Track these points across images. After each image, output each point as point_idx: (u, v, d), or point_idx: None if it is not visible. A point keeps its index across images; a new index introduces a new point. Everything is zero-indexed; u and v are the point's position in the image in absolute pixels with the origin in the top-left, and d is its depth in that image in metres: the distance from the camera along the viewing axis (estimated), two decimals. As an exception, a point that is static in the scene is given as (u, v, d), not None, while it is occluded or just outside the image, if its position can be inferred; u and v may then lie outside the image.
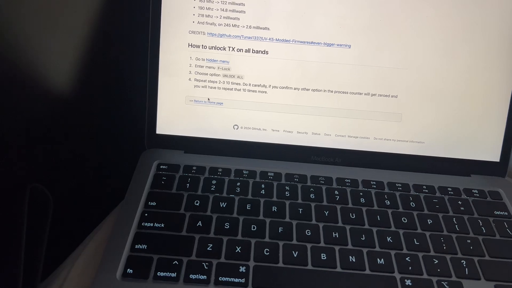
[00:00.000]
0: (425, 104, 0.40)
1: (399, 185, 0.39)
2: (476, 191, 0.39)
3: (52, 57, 0.35)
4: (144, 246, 0.32)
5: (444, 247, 0.34)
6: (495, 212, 0.38)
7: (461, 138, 0.41)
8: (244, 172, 0.39)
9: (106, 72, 0.40)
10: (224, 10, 0.38)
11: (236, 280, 0.31)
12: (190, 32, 0.39)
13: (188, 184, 0.37)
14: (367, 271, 0.32)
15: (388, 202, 0.37)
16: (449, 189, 0.39)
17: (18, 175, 0.34)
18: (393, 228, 0.35)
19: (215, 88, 0.40)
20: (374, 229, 0.35)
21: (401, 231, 0.35)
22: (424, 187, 0.39)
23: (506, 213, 0.38)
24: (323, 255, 0.33)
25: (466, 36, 0.39)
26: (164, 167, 0.39)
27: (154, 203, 0.35)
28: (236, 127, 0.41)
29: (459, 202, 0.38)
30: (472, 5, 0.38)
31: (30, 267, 0.31)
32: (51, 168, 0.37)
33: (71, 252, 0.35)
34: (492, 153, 0.41)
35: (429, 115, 0.40)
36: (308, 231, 0.34)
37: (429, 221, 0.36)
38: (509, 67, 0.39)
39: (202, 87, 0.40)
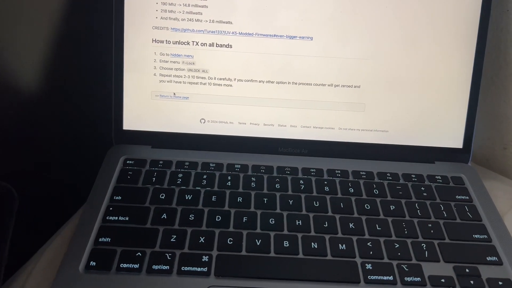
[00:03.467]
0: (388, 94, 0.41)
1: (363, 173, 0.40)
2: (439, 177, 0.40)
3: (12, 53, 0.35)
4: (108, 239, 0.32)
5: (406, 232, 0.35)
6: (457, 197, 0.38)
7: (424, 126, 0.42)
8: (211, 165, 0.39)
9: (70, 69, 0.40)
10: (187, 5, 0.39)
11: (199, 269, 0.31)
12: (153, 27, 0.39)
13: (154, 178, 0.37)
14: (329, 257, 0.33)
15: (352, 189, 0.38)
16: (413, 176, 0.40)
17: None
18: (355, 215, 0.36)
19: (180, 82, 0.40)
20: (337, 216, 0.36)
21: (363, 218, 0.36)
22: (388, 174, 0.40)
23: (467, 197, 0.38)
24: (286, 242, 0.33)
25: (427, 26, 0.40)
26: (130, 162, 0.39)
27: (120, 197, 0.36)
28: (203, 121, 0.41)
29: (422, 188, 0.39)
30: (430, -5, 0.39)
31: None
32: (15, 166, 0.37)
33: (38, 249, 0.35)
34: (455, 139, 0.42)
35: (392, 104, 0.41)
36: (272, 220, 0.35)
37: (392, 207, 0.37)
38: (468, 56, 0.40)
39: (168, 82, 0.40)
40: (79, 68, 0.41)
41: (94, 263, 0.31)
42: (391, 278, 0.32)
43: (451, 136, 0.42)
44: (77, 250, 0.32)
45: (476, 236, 0.35)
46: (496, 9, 0.41)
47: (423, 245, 0.34)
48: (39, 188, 0.38)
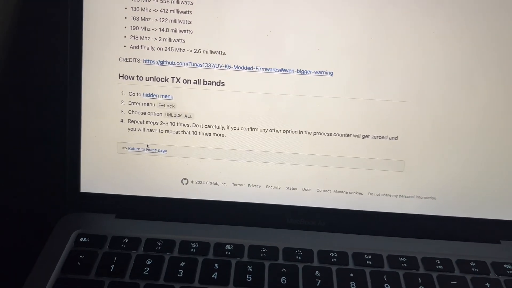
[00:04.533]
0: (435, 148, 0.30)
1: (404, 259, 0.29)
2: (510, 266, 0.29)
3: None
4: None
5: None
6: (539, 299, 0.27)
7: (485, 192, 0.31)
8: (193, 245, 0.29)
9: (12, 115, 0.31)
10: (165, 29, 0.29)
11: None
12: (121, 59, 0.29)
13: (113, 266, 0.27)
14: None
15: (389, 286, 0.27)
16: (472, 263, 0.29)
17: None
18: (396, 328, 0.25)
19: (156, 131, 0.30)
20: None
21: (407, 332, 0.25)
22: (438, 261, 0.29)
23: (553, 299, 0.27)
24: None
25: (488, 57, 0.29)
26: (84, 239, 0.29)
27: (61, 295, 0.25)
28: (185, 181, 0.31)
29: (487, 284, 0.28)
30: (496, 19, 0.29)
31: None
32: None
33: None
34: (527, 211, 0.31)
35: (441, 161, 0.30)
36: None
37: (447, 315, 0.26)
38: (545, 97, 0.29)
39: (139, 130, 0.30)
40: (23, 113, 0.31)
41: None
42: None
43: (522, 205, 0.31)
44: None
45: None
46: None
47: None
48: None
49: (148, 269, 0.27)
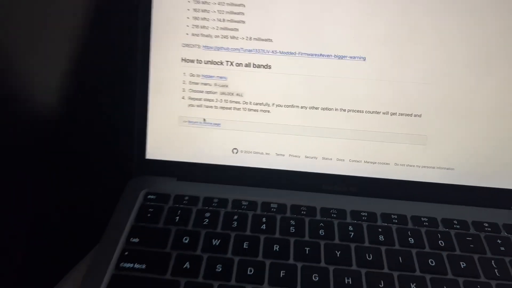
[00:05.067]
0: (455, 124, 0.34)
1: (425, 219, 0.33)
2: (519, 228, 0.33)
3: (34, 76, 0.31)
4: (120, 290, 0.27)
5: (481, 297, 0.28)
6: (543, 254, 0.31)
7: (499, 163, 0.35)
8: (243, 203, 0.34)
9: (87, 89, 0.36)
10: (221, 20, 0.34)
11: (226, 337, 0.25)
12: (183, 45, 0.35)
13: (177, 217, 0.32)
14: (387, 329, 0.26)
15: (412, 240, 0.32)
16: (486, 224, 0.33)
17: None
18: (418, 273, 0.29)
19: (211, 107, 0.35)
20: (395, 274, 0.29)
21: (428, 276, 0.29)
22: (455, 222, 0.33)
23: (557, 256, 0.31)
24: (332, 306, 0.27)
25: (504, 44, 0.33)
26: (152, 197, 0.34)
27: (137, 240, 0.31)
28: (235, 151, 0.36)
29: (499, 241, 0.32)
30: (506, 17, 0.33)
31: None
32: (27, 199, 0.32)
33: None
34: (536, 181, 0.35)
35: (460, 137, 0.34)
36: (315, 276, 0.29)
37: (462, 265, 0.30)
38: (554, 80, 0.33)
39: (197, 106, 0.35)
40: (96, 88, 0.37)
41: (102, 322, 0.26)
42: None
43: (532, 176, 0.35)
44: (84, 304, 0.27)
45: None
46: None
47: (507, 318, 0.27)
48: (50, 226, 0.34)
49: (207, 220, 0.32)
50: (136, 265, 0.29)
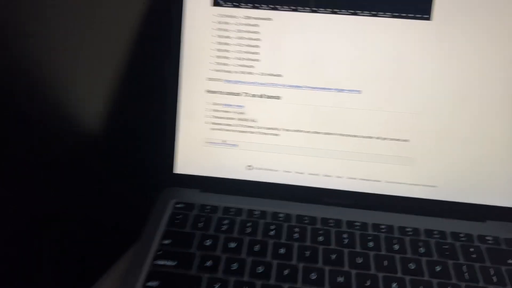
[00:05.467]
0: (438, 148, 0.40)
1: (409, 229, 0.39)
2: (490, 238, 0.39)
3: (82, 99, 0.39)
4: (156, 283, 0.34)
5: (451, 297, 0.34)
6: (509, 261, 0.37)
7: (475, 183, 0.40)
8: (256, 212, 0.40)
9: (129, 115, 0.43)
10: (240, 58, 0.41)
11: (239, 321, 0.32)
12: (207, 79, 0.41)
13: (201, 223, 0.39)
14: (370, 319, 0.33)
15: (397, 246, 0.38)
16: (461, 235, 0.39)
17: (42, 205, 0.37)
18: (399, 274, 0.35)
19: (230, 130, 0.42)
20: (380, 275, 0.35)
21: (407, 278, 0.35)
22: (435, 232, 0.39)
23: (521, 263, 0.37)
24: (326, 300, 0.33)
25: (479, 81, 0.39)
26: (180, 205, 0.41)
27: (169, 241, 0.38)
28: (249, 167, 0.42)
29: (471, 249, 0.38)
30: (485, 50, 0.38)
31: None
32: (72, 205, 0.40)
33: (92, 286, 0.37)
34: (508, 198, 0.40)
35: (442, 159, 0.40)
36: (313, 275, 0.35)
37: (437, 268, 0.36)
38: (524, 112, 0.39)
39: (218, 129, 0.42)
40: (136, 114, 0.44)
41: (142, 308, 0.33)
42: None
43: (505, 194, 0.40)
44: (127, 293, 0.34)
45: (528, 306, 0.34)
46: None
47: (470, 313, 0.33)
48: (92, 230, 0.41)
49: (225, 227, 0.39)
50: (168, 262, 0.36)
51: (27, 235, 0.36)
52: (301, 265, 0.36)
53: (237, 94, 0.41)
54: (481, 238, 0.39)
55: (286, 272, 0.35)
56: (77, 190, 0.40)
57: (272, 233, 0.38)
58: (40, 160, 0.36)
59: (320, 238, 0.38)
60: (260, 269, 0.35)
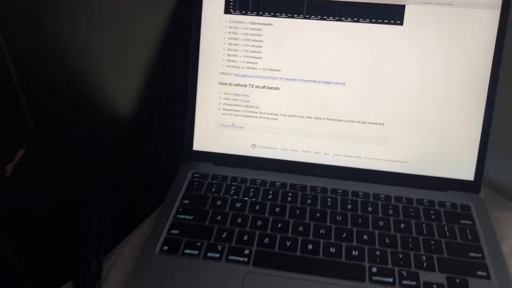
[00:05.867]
0: (408, 131, 0.49)
1: (382, 196, 0.48)
2: (449, 204, 0.47)
3: (118, 89, 0.49)
4: (177, 231, 0.44)
5: (410, 246, 0.43)
6: (462, 221, 0.45)
7: (439, 159, 0.49)
8: (257, 181, 0.50)
9: (157, 102, 0.53)
10: (246, 56, 0.50)
11: (241, 259, 0.41)
12: (220, 73, 0.51)
13: (213, 189, 0.49)
14: (343, 260, 0.42)
15: (370, 209, 0.47)
16: (425, 201, 0.47)
17: (93, 177, 0.47)
18: (370, 229, 0.44)
19: (238, 115, 0.51)
20: (355, 229, 0.44)
21: (376, 232, 0.44)
22: (404, 198, 0.48)
23: (471, 222, 0.45)
24: (310, 245, 0.43)
25: (442, 75, 0.47)
26: (197, 175, 0.51)
27: (187, 201, 0.47)
28: (253, 146, 0.52)
29: (432, 212, 0.46)
30: (444, 50, 0.47)
31: (98, 246, 0.44)
32: (115, 175, 0.50)
33: (126, 236, 0.47)
34: (467, 172, 0.49)
35: (412, 139, 0.49)
36: (301, 228, 0.44)
37: (402, 225, 0.45)
38: (480, 100, 0.47)
39: (228, 114, 0.52)
40: (164, 101, 0.54)
41: (166, 248, 0.42)
42: (391, 280, 0.40)
43: (464, 169, 0.49)
44: (155, 238, 0.43)
45: (471, 254, 0.42)
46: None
47: (423, 257, 0.42)
48: (130, 194, 0.51)
49: (232, 191, 0.48)
50: (187, 217, 0.46)
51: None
52: (292, 221, 0.45)
53: (244, 86, 0.51)
54: (441, 204, 0.47)
55: (280, 225, 0.45)
56: (120, 161, 0.50)
57: (270, 196, 0.48)
58: (91, 138, 0.46)
59: (308, 201, 0.47)
60: (259, 222, 0.45)
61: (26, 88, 0.37)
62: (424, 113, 0.48)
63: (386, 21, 0.48)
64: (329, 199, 0.48)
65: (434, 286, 0.39)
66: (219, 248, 0.42)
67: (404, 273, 0.40)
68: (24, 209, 0.40)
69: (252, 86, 0.51)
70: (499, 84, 0.47)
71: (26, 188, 0.40)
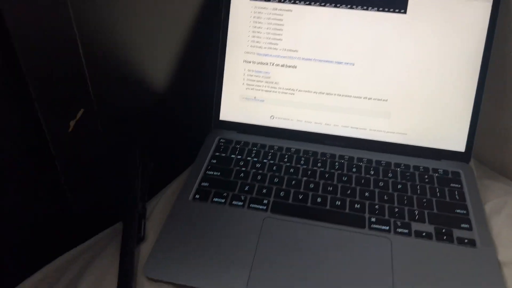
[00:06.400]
0: (409, 106, 0.56)
1: (384, 162, 0.55)
2: (441, 170, 0.54)
3: (151, 62, 0.56)
4: (207, 184, 0.52)
5: (405, 203, 0.50)
6: (451, 185, 0.52)
7: (435, 132, 0.56)
8: (275, 147, 0.57)
9: (190, 77, 0.61)
10: (268, 38, 0.58)
11: (261, 207, 0.49)
12: (245, 52, 0.59)
13: (237, 152, 0.57)
14: (347, 211, 0.49)
15: (372, 172, 0.54)
16: (421, 167, 0.55)
17: (133, 140, 0.55)
18: (371, 188, 0.52)
19: (259, 90, 0.59)
20: (358, 188, 0.52)
21: (376, 190, 0.51)
22: (402, 165, 0.55)
23: (459, 186, 0.52)
24: (319, 199, 0.50)
25: (440, 58, 0.54)
26: (223, 140, 0.58)
27: (215, 161, 0.55)
28: (272, 117, 0.59)
29: (426, 176, 0.53)
30: (442, 36, 0.54)
31: (143, 191, 0.52)
32: (156, 139, 0.58)
33: (165, 186, 0.56)
34: (459, 144, 0.56)
35: (411, 114, 0.56)
36: (312, 185, 0.52)
37: (399, 186, 0.52)
38: (472, 81, 0.54)
39: (251, 89, 0.59)
40: (195, 77, 0.62)
41: (198, 196, 0.51)
42: (387, 228, 0.47)
43: (456, 141, 0.56)
44: (188, 189, 0.51)
45: (457, 211, 0.49)
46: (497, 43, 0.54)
47: (416, 212, 0.49)
48: (166, 156, 0.59)
49: (253, 154, 0.56)
50: (215, 173, 0.53)
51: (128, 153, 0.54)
52: (304, 179, 0.53)
53: (265, 64, 0.58)
54: (435, 170, 0.54)
55: (293, 182, 0.52)
56: (159, 127, 0.58)
57: (285, 159, 0.55)
58: (134, 106, 0.54)
59: (319, 164, 0.55)
60: (276, 180, 0.53)
61: (88, 58, 0.45)
62: (423, 91, 0.55)
63: (392, 9, 0.55)
64: (336, 163, 0.55)
65: (424, 233, 0.47)
66: (242, 198, 0.50)
67: (399, 223, 0.48)
68: (84, 159, 0.49)
69: (273, 64, 0.58)
70: (489, 67, 0.53)
71: (86, 141, 0.48)
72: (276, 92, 0.59)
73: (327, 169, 0.54)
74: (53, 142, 0.45)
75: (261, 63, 0.58)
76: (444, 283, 0.42)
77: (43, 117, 0.43)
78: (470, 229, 0.47)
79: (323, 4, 0.56)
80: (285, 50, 0.58)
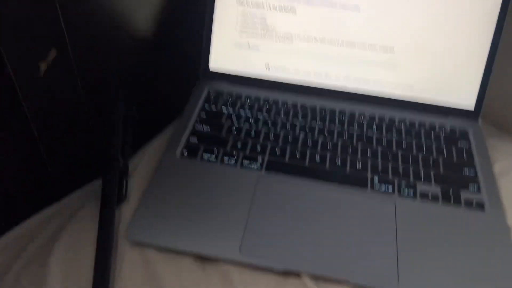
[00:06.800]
0: (417, 57, 0.51)
1: (387, 118, 0.51)
2: (449, 128, 0.50)
3: (135, 10, 0.50)
4: (195, 139, 0.47)
5: (410, 163, 0.46)
6: (459, 144, 0.49)
7: (444, 87, 0.52)
8: (270, 100, 0.53)
9: (175, 22, 0.55)
10: (264, -23, 0.51)
11: (255, 166, 0.45)
12: (238, -6, 0.52)
13: (228, 104, 0.52)
14: (347, 170, 0.45)
15: (375, 128, 0.50)
16: (427, 124, 0.51)
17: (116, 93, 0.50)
18: (374, 146, 0.48)
19: (254, 36, 0.53)
20: (360, 145, 0.48)
21: (379, 148, 0.48)
22: (407, 121, 0.51)
23: (467, 145, 0.49)
24: (318, 157, 0.46)
25: (447, 9, 0.49)
26: (213, 92, 0.53)
27: (204, 114, 0.50)
28: (267, 66, 0.54)
29: (432, 134, 0.50)
30: None
31: (124, 146, 0.47)
32: (139, 89, 0.52)
33: (150, 140, 0.51)
34: (469, 101, 0.51)
35: (419, 66, 0.51)
36: (310, 142, 0.48)
37: (404, 144, 0.48)
38: (487, 33, 0.49)
39: (245, 35, 0.53)
40: (181, 21, 0.55)
41: (186, 152, 0.46)
42: (390, 189, 0.44)
43: (466, 98, 0.51)
44: (175, 144, 0.47)
45: (465, 171, 0.46)
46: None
47: (421, 172, 0.45)
48: (152, 106, 0.54)
49: (247, 108, 0.51)
50: (204, 127, 0.49)
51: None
52: (301, 136, 0.48)
53: (262, 7, 0.52)
54: (442, 127, 0.51)
55: (290, 139, 0.48)
56: (145, 74, 0.53)
57: (281, 114, 0.51)
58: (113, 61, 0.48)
59: (318, 120, 0.50)
60: (271, 136, 0.48)
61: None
62: (433, 41, 0.50)
63: None
64: (336, 119, 0.51)
65: (429, 195, 0.43)
66: (235, 155, 0.46)
67: (403, 184, 0.44)
68: (57, 106, 0.43)
69: (270, 7, 0.52)
70: (507, 18, 0.48)
71: (59, 84, 0.42)
72: (272, 38, 0.53)
73: (326, 125, 0.50)
74: (21, 87, 0.39)
75: (256, 5, 0.52)
76: (450, 249, 0.39)
77: (9, 60, 0.37)
78: (478, 191, 0.44)
79: None
80: (283, -9, 0.51)
